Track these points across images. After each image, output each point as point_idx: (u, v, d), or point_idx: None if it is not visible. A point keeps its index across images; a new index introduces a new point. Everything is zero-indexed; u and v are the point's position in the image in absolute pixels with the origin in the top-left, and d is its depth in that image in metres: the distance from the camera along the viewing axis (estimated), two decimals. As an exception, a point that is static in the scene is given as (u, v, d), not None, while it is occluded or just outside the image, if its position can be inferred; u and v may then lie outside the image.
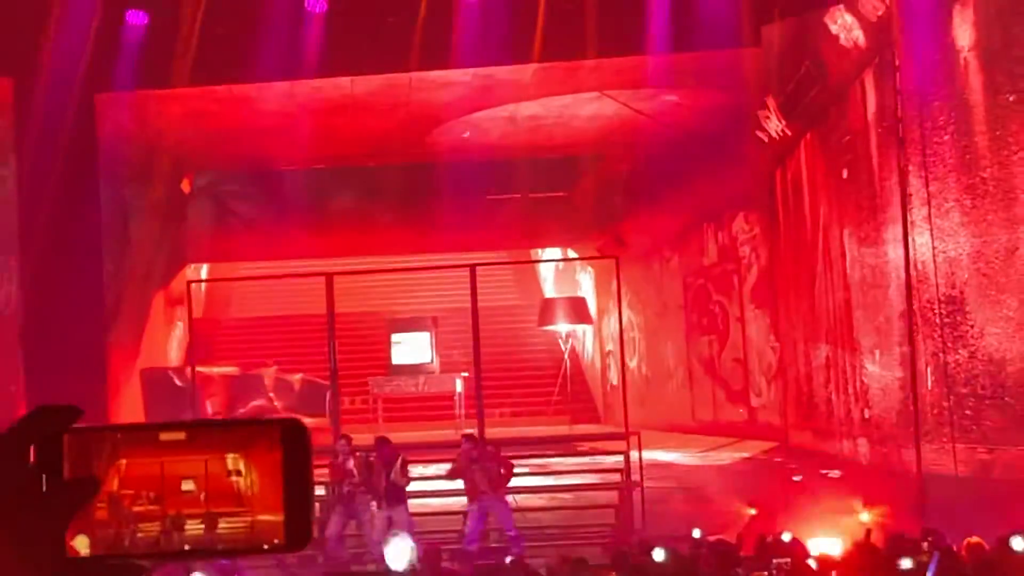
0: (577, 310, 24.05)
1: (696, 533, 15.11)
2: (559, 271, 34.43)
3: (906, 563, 11.93)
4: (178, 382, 22.13)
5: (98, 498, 1.68)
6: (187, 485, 1.69)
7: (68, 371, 18.14)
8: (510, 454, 17.83)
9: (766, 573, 11.94)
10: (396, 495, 16.84)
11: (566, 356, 24.58)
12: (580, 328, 24.28)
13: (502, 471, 17.06)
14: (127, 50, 19.10)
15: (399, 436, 23.25)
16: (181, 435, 1.69)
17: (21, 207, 18.50)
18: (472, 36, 19.45)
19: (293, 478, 1.68)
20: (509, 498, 17.66)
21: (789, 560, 12.51)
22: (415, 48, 19.50)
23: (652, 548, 14.06)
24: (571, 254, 33.40)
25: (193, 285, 32.77)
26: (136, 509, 1.68)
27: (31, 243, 18.32)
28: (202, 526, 1.69)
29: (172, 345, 30.87)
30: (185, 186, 25.94)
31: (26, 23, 18.78)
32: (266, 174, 25.09)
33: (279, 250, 29.18)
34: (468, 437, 17.40)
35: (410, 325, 23.48)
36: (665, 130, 24.10)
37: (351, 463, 16.91)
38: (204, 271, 33.23)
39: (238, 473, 1.68)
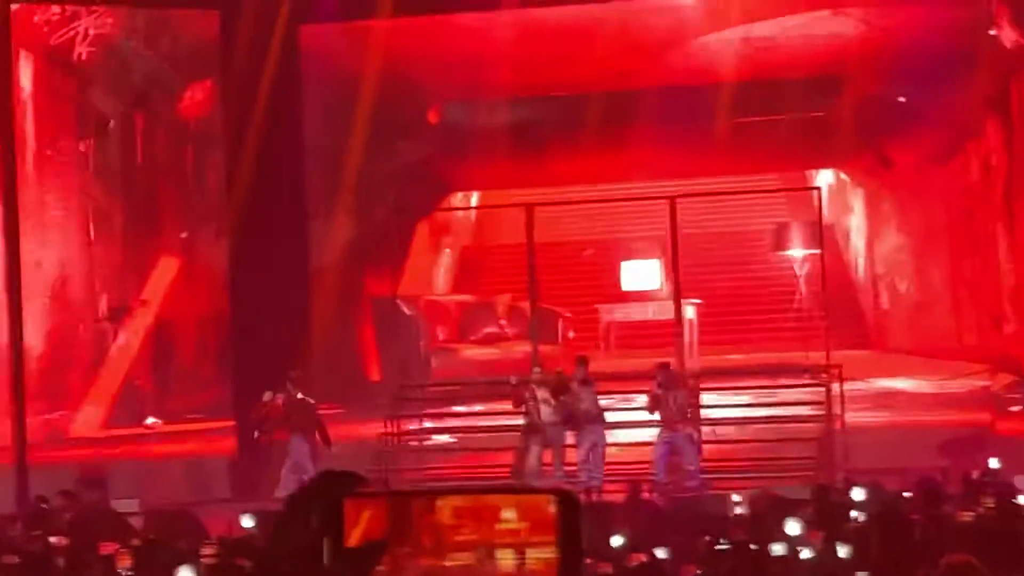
0: (812, 234, 23.46)
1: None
2: (832, 192, 33.61)
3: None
4: (406, 311, 22.64)
5: (382, 563, 1.66)
6: (462, 548, 1.67)
7: (272, 312, 18.58)
8: (711, 385, 17.65)
9: (972, 513, 11.42)
10: (597, 418, 16.87)
11: (801, 282, 24.03)
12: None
13: (690, 405, 16.93)
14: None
15: (628, 363, 23.31)
16: (459, 500, 1.69)
17: (226, 138, 19.01)
18: None
19: (567, 548, 1.66)
20: (707, 430, 17.50)
21: (994, 500, 12.04)
22: None
23: (854, 485, 13.75)
24: (842, 176, 32.59)
25: (461, 213, 33.61)
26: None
27: (237, 177, 18.84)
28: None
29: (439, 272, 31.61)
30: (432, 116, 26.39)
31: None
32: (504, 102, 25.24)
33: (535, 177, 29.41)
34: (662, 367, 17.24)
35: (640, 252, 23.37)
36: (905, 46, 23.23)
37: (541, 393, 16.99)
38: (473, 200, 33.82)
39: (516, 543, 1.65)
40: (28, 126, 19.74)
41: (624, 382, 18.77)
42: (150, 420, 21.59)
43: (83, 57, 20.84)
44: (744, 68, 24.22)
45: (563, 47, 22.89)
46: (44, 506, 14.29)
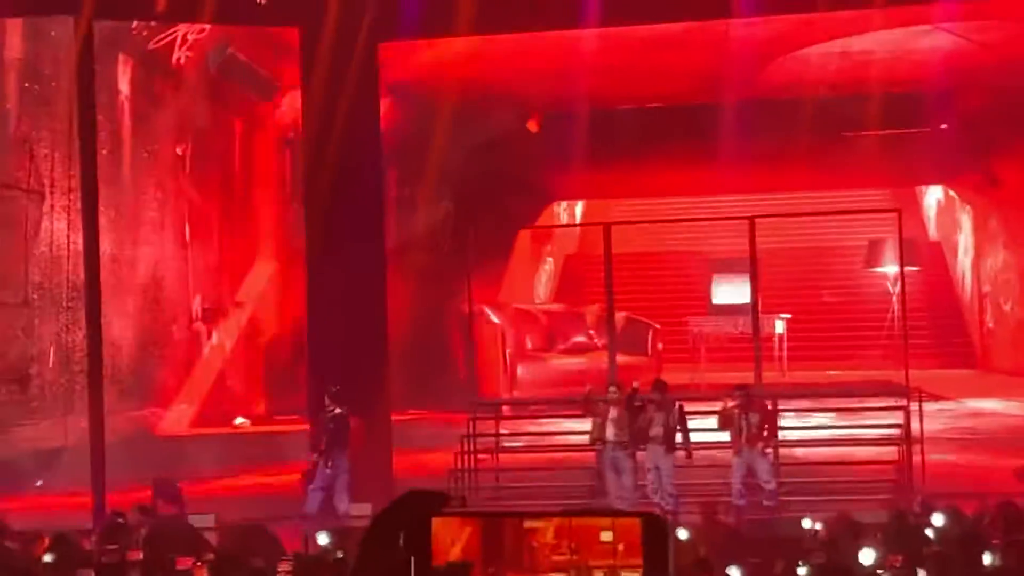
0: (908, 252, 23.14)
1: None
2: (941, 208, 33.24)
3: None
4: (494, 318, 22.75)
5: None
6: (559, 568, 1.69)
7: (347, 317, 18.66)
8: (789, 406, 17.48)
9: None
10: (666, 443, 16.77)
11: (894, 300, 23.74)
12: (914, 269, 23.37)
13: (766, 425, 16.80)
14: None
15: (718, 377, 23.20)
16: (543, 523, 1.71)
17: (306, 153, 19.19)
18: None
19: (653, 572, 1.68)
20: (784, 451, 17.35)
21: None
22: None
23: (934, 509, 13.56)
24: (951, 193, 32.20)
25: (565, 221, 33.66)
26: None
27: (315, 188, 18.97)
28: None
29: (540, 280, 31.73)
30: (532, 126, 26.50)
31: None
32: (602, 113, 25.29)
33: (637, 188, 29.42)
34: (740, 387, 17.16)
35: (731, 266, 23.27)
36: (1007, 62, 22.89)
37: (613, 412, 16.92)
38: (579, 209, 33.89)
39: (611, 565, 1.67)
40: (125, 129, 20.21)
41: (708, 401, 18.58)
42: (239, 420, 21.94)
43: (181, 62, 21.28)
44: (845, 82, 24.02)
45: (658, 58, 22.87)
46: (120, 520, 14.28)
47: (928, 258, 32.87)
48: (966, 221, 31.48)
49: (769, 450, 16.89)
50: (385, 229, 19.87)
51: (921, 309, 31.25)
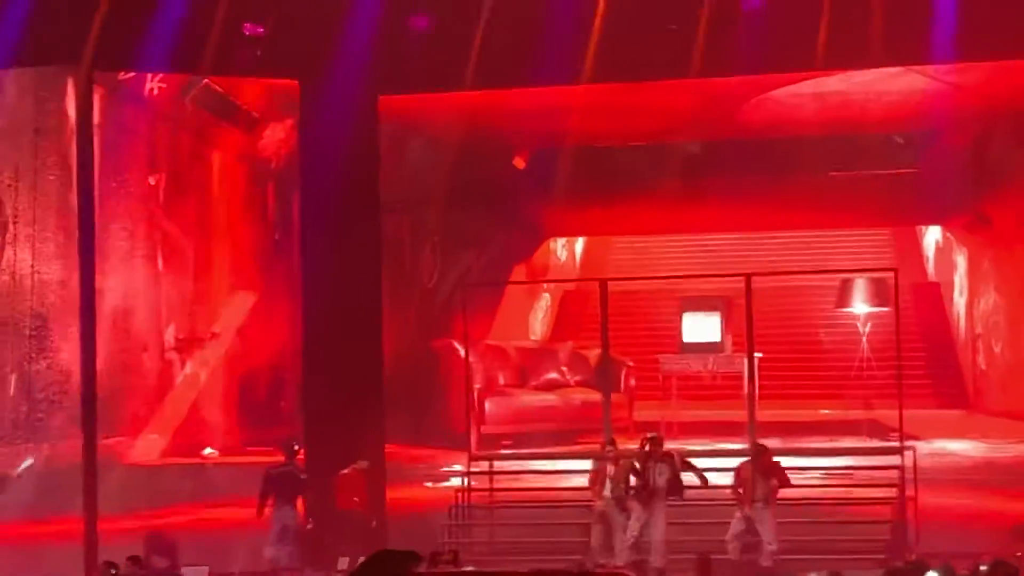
0: (879, 292, 23.14)
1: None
2: (939, 248, 33.16)
3: None
4: (463, 354, 22.82)
5: None
6: None
7: (345, 356, 18.94)
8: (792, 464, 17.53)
9: None
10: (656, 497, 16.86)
11: (864, 340, 23.73)
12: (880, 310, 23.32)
13: (775, 483, 16.84)
14: (409, 53, 19.86)
15: (690, 415, 23.23)
16: None
17: (302, 205, 19.49)
18: (754, 43, 19.02)
19: None
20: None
21: None
22: (697, 54, 19.19)
23: (926, 568, 13.54)
24: (948, 234, 32.12)
25: (563, 258, 33.74)
26: None
27: (313, 240, 19.27)
28: None
29: (536, 316, 31.80)
30: (519, 163, 26.67)
31: (312, 27, 19.83)
32: (587, 150, 25.43)
33: (623, 225, 29.50)
34: (760, 448, 17.22)
35: (701, 305, 23.33)
36: (985, 102, 22.90)
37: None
38: (579, 246, 33.94)
39: None
40: (94, 159, 20.39)
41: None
42: (207, 451, 22.11)
43: (155, 93, 21.55)
44: (822, 122, 24.08)
45: (642, 97, 22.98)
46: (113, 572, 14.38)
47: (934, 298, 32.84)
48: (961, 262, 31.39)
49: (772, 510, 16.84)
50: (381, 271, 20.21)
51: (918, 350, 31.19)
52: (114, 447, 20.85)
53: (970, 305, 30.58)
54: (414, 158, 23.35)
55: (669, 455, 17.12)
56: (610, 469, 17.24)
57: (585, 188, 26.18)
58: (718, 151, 25.58)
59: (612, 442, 17.79)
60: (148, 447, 21.69)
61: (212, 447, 22.37)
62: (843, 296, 24.21)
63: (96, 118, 20.48)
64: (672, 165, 25.24)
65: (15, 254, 18.90)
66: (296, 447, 18.29)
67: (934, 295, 32.85)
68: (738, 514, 16.86)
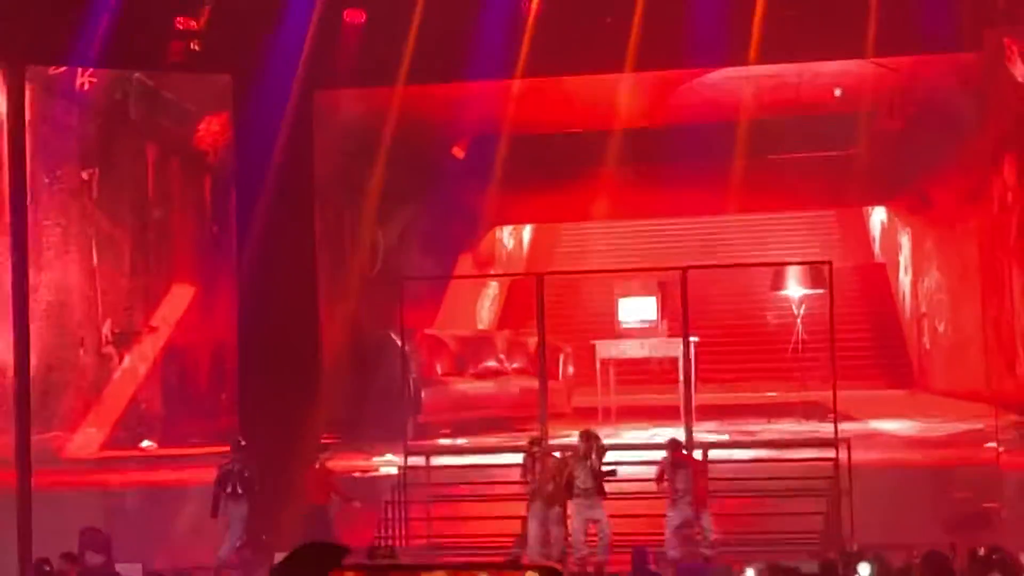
0: (814, 275, 23.27)
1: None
2: (884, 229, 33.40)
3: None
4: (398, 343, 22.87)
5: None
6: None
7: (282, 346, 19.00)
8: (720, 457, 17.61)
9: None
10: (598, 492, 16.87)
11: (799, 322, 23.87)
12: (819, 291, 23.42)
13: (690, 472, 16.92)
14: (345, 48, 19.90)
15: (626, 399, 23.36)
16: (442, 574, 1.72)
17: (238, 199, 19.51)
18: (688, 37, 19.12)
19: None
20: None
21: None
22: (631, 48, 19.29)
23: (861, 558, 13.62)
24: (883, 213, 32.37)
25: (510, 246, 33.76)
26: None
27: (248, 233, 19.30)
28: None
29: (483, 305, 31.86)
30: (458, 152, 26.71)
31: (246, 21, 19.86)
32: (525, 139, 25.47)
33: (570, 212, 29.59)
34: (672, 442, 17.32)
35: (637, 289, 23.41)
36: (919, 84, 23.05)
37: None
38: (527, 233, 34.00)
39: None
40: (25, 154, 20.38)
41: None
42: (145, 443, 22.11)
43: (85, 87, 21.53)
44: (758, 106, 24.19)
45: (577, 85, 23.05)
46: (47, 568, 14.30)
47: (879, 279, 33.06)
48: (906, 242, 31.63)
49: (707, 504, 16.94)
50: (316, 262, 20.23)
51: (864, 330, 31.42)
52: (51, 442, 20.85)
53: (915, 284, 30.81)
54: (351, 149, 23.33)
55: (592, 452, 17.04)
56: (538, 466, 17.22)
57: (525, 176, 26.25)
58: (656, 137, 25.66)
59: (538, 441, 17.77)
60: (86, 441, 21.66)
61: (150, 440, 22.36)
62: (778, 279, 24.35)
63: (27, 114, 20.48)
64: (611, 152, 25.32)
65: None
66: (242, 441, 18.39)
67: (879, 275, 33.09)
68: (669, 511, 16.92)
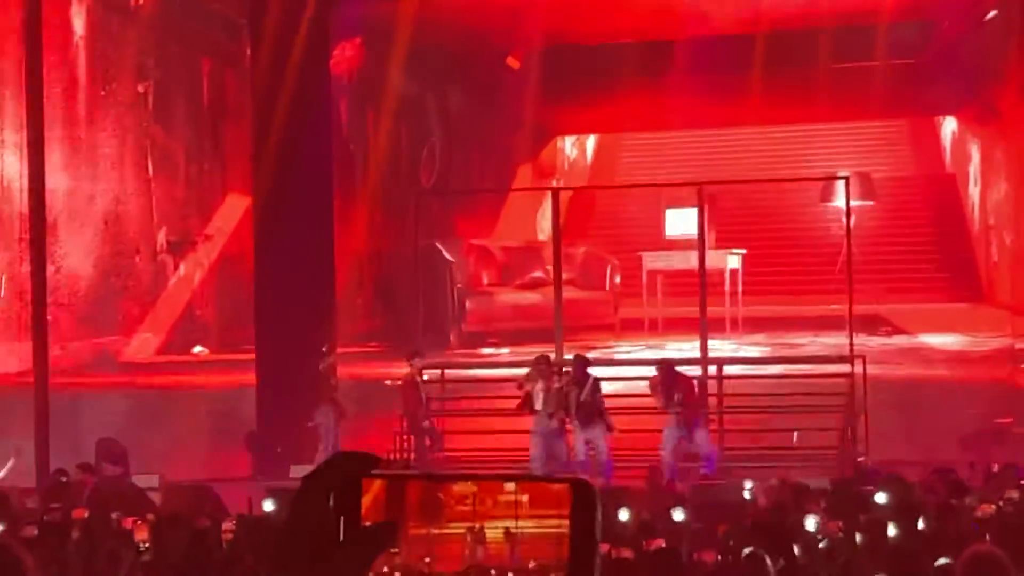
0: (861, 186, 23.09)
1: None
2: (955, 140, 32.98)
3: None
4: (448, 256, 23.08)
5: (396, 543, 1.67)
6: (491, 533, 1.64)
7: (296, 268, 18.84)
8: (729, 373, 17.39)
9: (994, 506, 11.11)
10: (589, 416, 16.43)
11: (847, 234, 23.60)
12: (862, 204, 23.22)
13: (680, 396, 16.54)
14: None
15: (672, 311, 23.32)
16: (474, 487, 1.66)
17: (254, 98, 19.40)
18: None
19: (579, 538, 1.63)
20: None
21: (1017, 493, 11.96)
22: None
23: (878, 475, 13.61)
24: (954, 123, 31.95)
25: (573, 156, 33.78)
26: (429, 559, 1.67)
27: (265, 137, 19.16)
28: None
29: (544, 215, 31.98)
30: (513, 63, 26.73)
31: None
32: (580, 49, 25.45)
33: (631, 122, 29.56)
34: (663, 367, 16.71)
35: (682, 200, 23.15)
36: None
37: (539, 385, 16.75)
38: (590, 143, 34.01)
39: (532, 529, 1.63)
40: (80, 69, 20.83)
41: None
42: (197, 349, 22.65)
43: (140, 2, 21.89)
44: (821, 15, 23.89)
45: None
46: (64, 479, 14.35)
47: (950, 191, 32.68)
48: (975, 152, 31.22)
49: (703, 420, 16.70)
50: (333, 170, 19.78)
51: (932, 243, 31.16)
52: (109, 346, 21.45)
53: (983, 196, 30.44)
54: (403, 60, 23.48)
55: (587, 376, 16.58)
56: (541, 384, 16.59)
57: (583, 86, 26.22)
58: (720, 45, 25.38)
59: (546, 360, 17.01)
60: (142, 346, 22.24)
61: (203, 346, 22.89)
62: (827, 191, 24.20)
63: (83, 30, 20.87)
64: (677, 61, 25.00)
65: (2, 159, 19.32)
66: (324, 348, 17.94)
67: (950, 186, 32.73)
68: (665, 429, 16.41)
